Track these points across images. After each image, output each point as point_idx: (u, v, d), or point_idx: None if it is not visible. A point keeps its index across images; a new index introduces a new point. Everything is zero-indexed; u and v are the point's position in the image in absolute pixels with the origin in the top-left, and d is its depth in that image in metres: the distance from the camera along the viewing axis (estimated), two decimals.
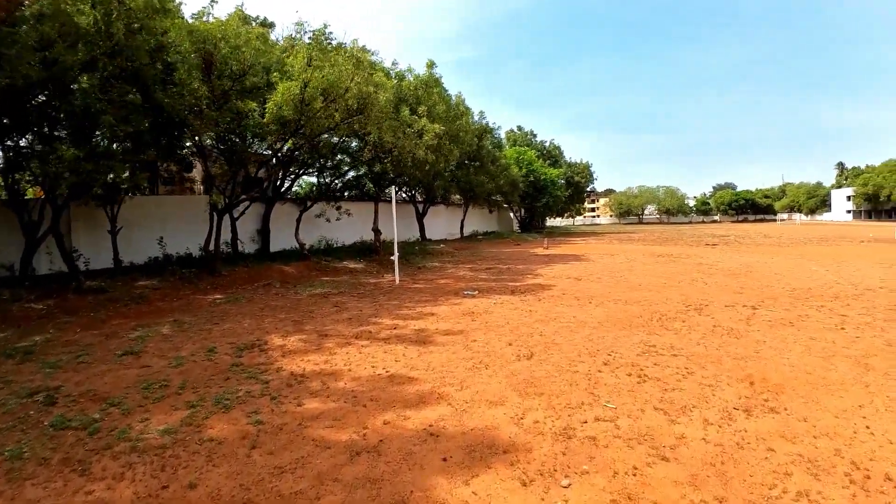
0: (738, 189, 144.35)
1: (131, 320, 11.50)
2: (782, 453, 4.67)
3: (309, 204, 25.80)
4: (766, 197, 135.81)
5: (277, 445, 4.94)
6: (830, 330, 9.21)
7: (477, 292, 13.89)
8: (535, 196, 50.79)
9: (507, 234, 48.93)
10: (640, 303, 11.89)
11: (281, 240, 24.79)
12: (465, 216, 43.77)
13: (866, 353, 7.63)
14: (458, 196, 43.18)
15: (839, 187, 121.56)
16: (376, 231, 26.15)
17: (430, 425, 5.27)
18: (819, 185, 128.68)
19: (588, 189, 70.27)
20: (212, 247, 18.30)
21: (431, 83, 25.11)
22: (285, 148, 20.81)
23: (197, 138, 17.10)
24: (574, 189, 63.32)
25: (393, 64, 25.63)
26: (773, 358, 7.50)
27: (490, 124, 41.01)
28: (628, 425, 5.21)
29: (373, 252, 25.70)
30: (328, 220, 27.31)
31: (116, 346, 9.05)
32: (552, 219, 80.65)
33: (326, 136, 19.58)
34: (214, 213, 18.20)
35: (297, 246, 24.83)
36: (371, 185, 28.99)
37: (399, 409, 5.70)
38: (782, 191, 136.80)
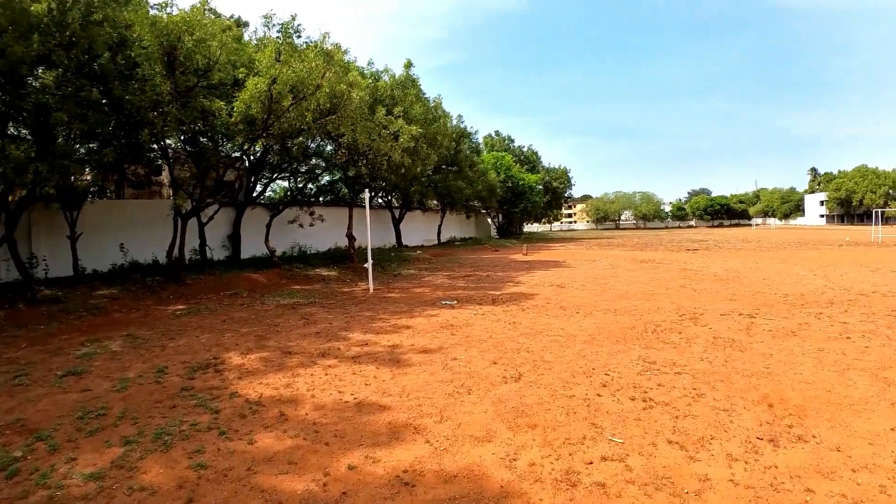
0: (713, 194, 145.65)
1: (82, 334, 10.49)
2: (823, 494, 3.93)
3: (281, 209, 24.79)
4: (741, 202, 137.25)
5: (219, 499, 4.04)
6: (836, 339, 8.57)
7: (456, 302, 13.05)
8: (512, 201, 50.21)
9: (485, 239, 48.20)
10: (631, 312, 11.13)
11: (252, 246, 23.89)
12: (442, 222, 42.99)
13: (881, 365, 6.97)
14: (435, 202, 42.38)
15: (812, 192, 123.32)
16: (350, 237, 25.20)
17: (405, 471, 4.37)
18: (792, 190, 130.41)
19: (566, 195, 69.90)
20: (176, 253, 17.26)
21: (408, 84, 24.31)
22: (256, 150, 19.84)
23: (159, 138, 16.04)
24: (552, 195, 63.01)
25: (369, 64, 24.82)
26: (785, 374, 6.77)
27: (468, 129, 40.34)
28: (641, 465, 4.39)
29: (347, 259, 24.75)
30: (301, 226, 26.34)
31: (60, 364, 8.09)
32: (529, 224, 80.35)
33: (300, 138, 18.59)
34: (179, 218, 17.19)
35: (269, 252, 23.96)
36: (345, 190, 28.09)
37: (367, 449, 4.81)
38: (756, 196, 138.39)
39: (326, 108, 17.06)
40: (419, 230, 41.61)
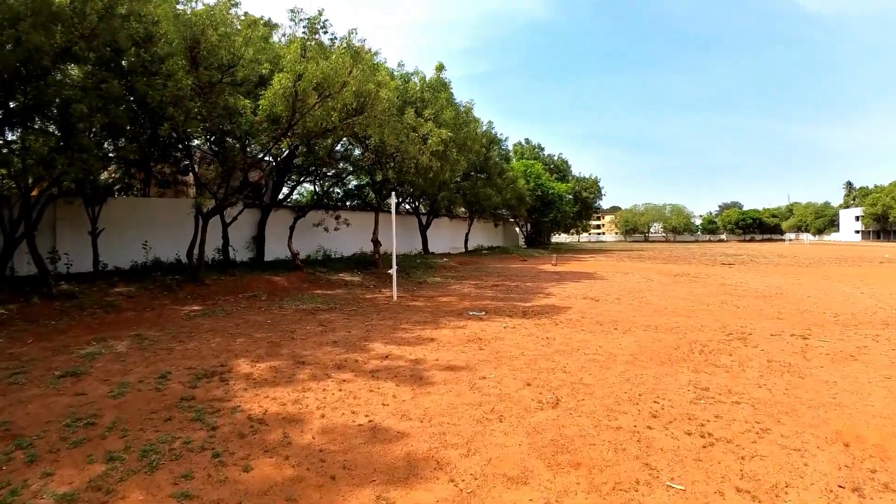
0: (745, 208, 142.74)
1: (91, 332, 10.09)
2: None
3: (306, 211, 24.35)
4: (774, 216, 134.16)
5: None
6: None
7: (484, 313, 12.31)
8: (542, 211, 49.27)
9: (513, 249, 47.35)
10: (673, 330, 10.28)
11: (277, 248, 23.64)
12: (469, 230, 42.29)
13: None
14: (462, 209, 41.70)
15: (847, 207, 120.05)
16: (376, 242, 24.62)
17: None
18: (827, 204, 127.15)
19: (596, 205, 68.71)
20: (196, 253, 16.82)
21: (439, 87, 23.67)
22: (281, 150, 19.37)
23: (181, 134, 15.63)
24: (582, 204, 61.86)
25: (399, 65, 24.28)
26: (855, 406, 5.96)
27: (498, 135, 39.66)
28: None
29: (371, 264, 24.15)
30: (326, 230, 25.94)
31: (61, 363, 7.65)
32: (557, 235, 79.26)
33: (327, 138, 18.05)
34: (200, 217, 16.77)
35: (291, 255, 23.53)
36: (372, 195, 27.64)
37: (380, 486, 4.09)
38: (789, 210, 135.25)
39: (353, 108, 16.55)
40: (446, 237, 40.97)
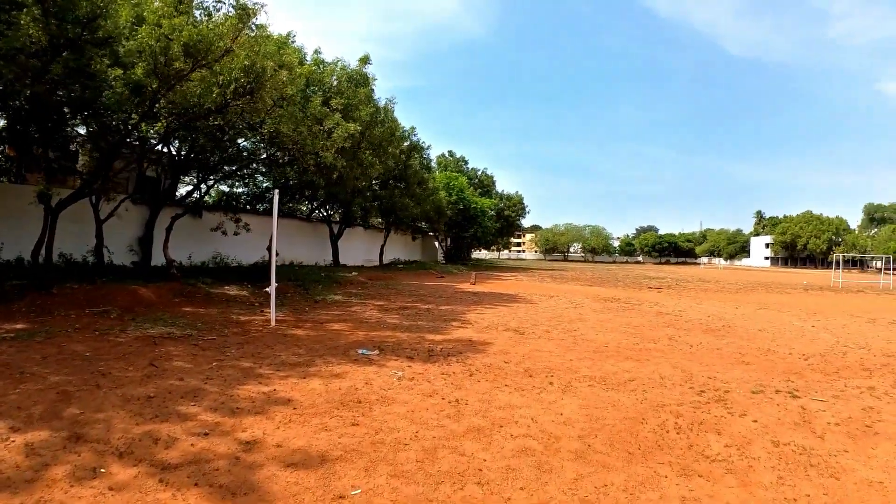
0: (661, 232, 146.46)
1: None
2: None
3: (201, 211, 20.97)
4: (689, 241, 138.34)
5: None
6: None
7: (377, 352, 9.30)
8: (463, 225, 46.84)
9: (431, 264, 44.55)
10: (628, 385, 7.65)
11: (169, 252, 19.90)
12: (385, 242, 39.24)
13: None
14: (379, 219, 38.73)
15: (757, 235, 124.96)
16: (270, 251, 21.27)
17: None
18: (739, 231, 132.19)
19: (518, 223, 67.06)
20: (43, 254, 13.54)
21: (360, 80, 20.62)
22: (153, 132, 15.85)
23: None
24: (505, 221, 59.92)
25: (315, 52, 21.07)
26: None
27: (421, 143, 36.91)
28: None
29: (267, 277, 20.79)
30: (224, 234, 22.54)
31: None
32: (478, 251, 77.41)
33: (212, 120, 14.72)
34: (48, 210, 13.49)
35: (182, 261, 20.79)
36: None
37: None
38: (703, 236, 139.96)
39: (242, 85, 13.43)
40: (360, 249, 37.89)
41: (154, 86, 12.56)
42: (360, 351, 9.21)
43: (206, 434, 5.21)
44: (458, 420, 5.81)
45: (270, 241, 21.66)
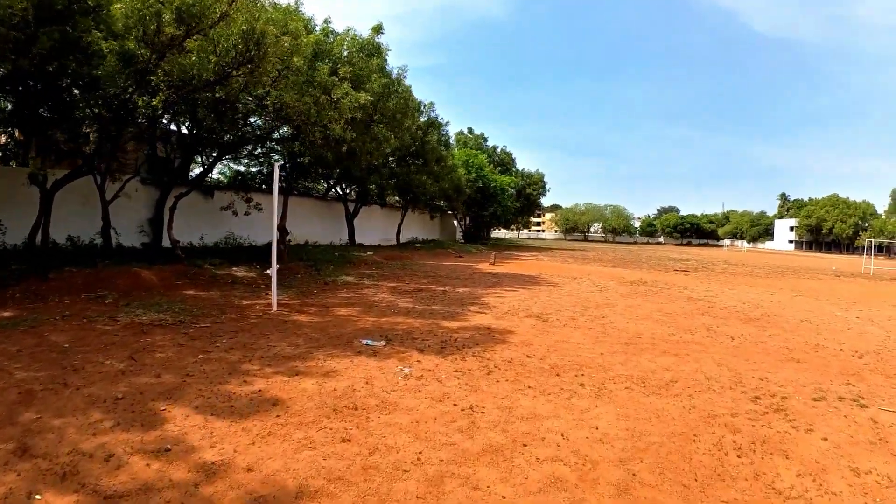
0: (682, 213, 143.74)
1: None
2: None
3: (212, 191, 20.18)
4: (711, 222, 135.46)
5: None
6: None
7: (384, 342, 8.35)
8: (482, 204, 45.62)
9: (449, 243, 43.49)
10: (671, 388, 6.61)
11: (180, 232, 19.23)
12: (402, 220, 38.20)
13: None
14: (397, 198, 37.73)
15: (781, 217, 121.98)
16: (282, 230, 20.43)
17: None
18: (763, 214, 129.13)
19: (539, 201, 65.49)
20: (40, 237, 12.96)
21: (372, 50, 19.39)
22: (153, 106, 14.95)
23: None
24: (525, 200, 58.45)
25: (325, 22, 19.89)
26: None
27: (439, 119, 35.66)
28: None
29: (277, 258, 19.96)
30: (235, 214, 21.70)
31: None
32: (498, 230, 76.16)
33: (215, 92, 13.82)
34: (41, 191, 12.86)
35: (192, 242, 20.44)
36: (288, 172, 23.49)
37: None
38: (726, 217, 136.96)
39: (242, 54, 12.46)
40: (377, 228, 36.94)
41: (146, 55, 11.67)
42: (364, 341, 8.27)
43: (167, 450, 4.33)
44: (471, 436, 4.85)
45: (281, 219, 20.89)
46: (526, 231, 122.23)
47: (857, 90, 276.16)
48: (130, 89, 12.88)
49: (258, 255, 20.20)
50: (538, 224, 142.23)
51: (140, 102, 13.93)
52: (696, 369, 7.56)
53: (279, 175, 11.73)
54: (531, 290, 16.26)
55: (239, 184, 24.71)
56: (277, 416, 5.18)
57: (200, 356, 7.22)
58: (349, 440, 4.68)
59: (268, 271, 11.59)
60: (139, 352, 7.28)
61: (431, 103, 33.72)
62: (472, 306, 12.62)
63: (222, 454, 4.30)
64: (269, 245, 24.82)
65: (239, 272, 17.00)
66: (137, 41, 11.37)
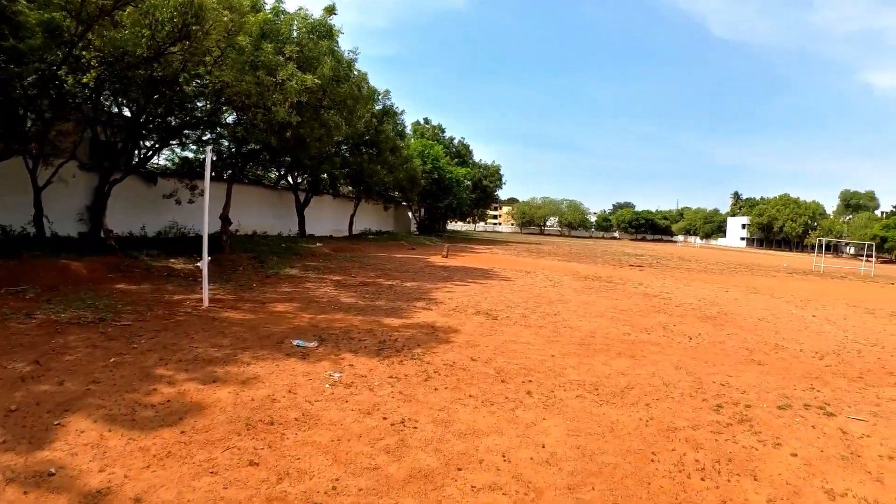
0: (637, 209, 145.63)
1: None
2: None
3: (155, 178, 19.02)
4: (665, 219, 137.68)
5: None
6: None
7: (316, 343, 7.57)
8: (437, 195, 44.91)
9: (403, 235, 42.69)
10: (625, 396, 6.05)
11: (119, 221, 18.88)
12: (355, 211, 37.24)
13: None
14: (350, 188, 36.76)
15: (734, 215, 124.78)
16: (224, 220, 19.41)
17: None
18: (716, 211, 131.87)
19: (496, 194, 65.06)
20: None
21: (323, 32, 18.32)
22: (82, 82, 13.80)
23: None
24: (482, 192, 57.95)
25: (277, 1, 18.72)
26: None
27: (395, 107, 34.78)
28: None
29: (217, 248, 18.92)
30: (179, 203, 20.63)
31: None
32: (454, 222, 75.70)
33: (150, 72, 12.80)
34: None
35: (133, 232, 19.63)
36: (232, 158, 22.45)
37: None
38: (680, 214, 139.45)
39: (178, 28, 11.53)
40: (328, 218, 35.92)
41: (73, 27, 10.65)
42: (295, 342, 7.49)
43: (51, 474, 3.62)
44: (399, 457, 4.16)
45: (225, 208, 19.83)
46: (482, 224, 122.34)
47: (811, 94, 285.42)
48: (56, 65, 11.79)
49: (200, 246, 19.14)
50: (495, 217, 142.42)
51: (70, 80, 12.93)
52: (653, 373, 7.05)
53: (211, 160, 10.78)
54: (482, 285, 15.66)
55: (185, 170, 23.62)
56: (182, 431, 4.42)
57: (113, 359, 6.38)
58: (257, 463, 3.96)
59: (198, 263, 10.67)
60: (47, 354, 6.40)
61: (387, 91, 32.92)
62: (419, 302, 11.93)
63: (110, 480, 3.56)
64: (214, 235, 23.80)
65: (177, 264, 15.99)
66: (63, 10, 10.34)
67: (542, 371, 6.82)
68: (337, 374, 6.13)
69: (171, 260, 16.45)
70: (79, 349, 6.75)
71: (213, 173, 25.83)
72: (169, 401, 5.13)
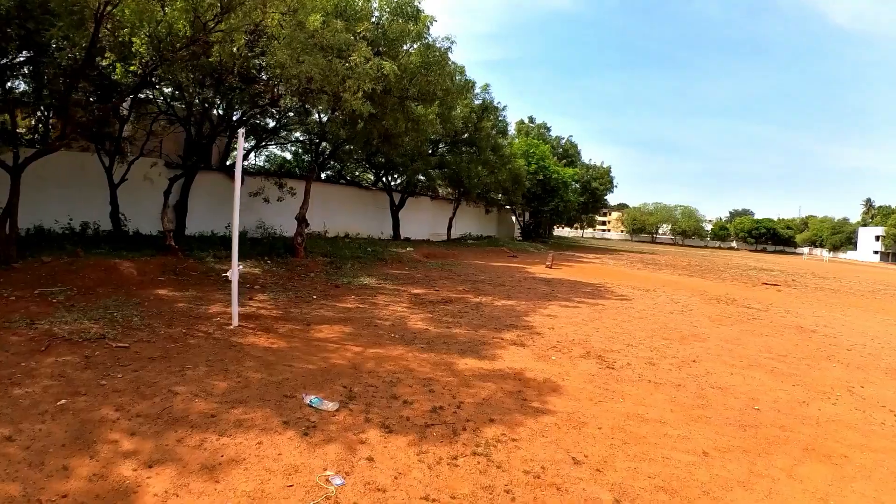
0: (756, 216, 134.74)
1: None
2: None
3: (215, 174, 17.71)
4: (789, 228, 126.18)
5: None
6: None
7: (337, 405, 5.09)
8: (542, 198, 41.74)
9: (505, 241, 39.85)
10: None
11: (203, 220, 18.89)
12: (454, 214, 34.85)
13: None
14: (450, 189, 34.62)
15: (865, 225, 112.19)
16: (301, 221, 17.64)
17: None
18: (845, 220, 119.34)
19: (605, 198, 60.53)
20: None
21: (409, 13, 16.14)
22: (127, 71, 12.41)
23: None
24: (590, 195, 53.94)
25: None
26: None
27: (496, 103, 32.22)
28: None
29: (292, 251, 17.18)
30: (266, 201, 19.52)
31: None
32: (560, 228, 72.02)
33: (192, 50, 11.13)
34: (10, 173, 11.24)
35: (215, 231, 19.04)
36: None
37: None
38: (804, 223, 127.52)
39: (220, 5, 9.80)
40: (426, 221, 33.97)
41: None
42: (307, 399, 5.11)
43: None
44: None
45: (303, 206, 18.09)
46: (591, 230, 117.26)
47: None
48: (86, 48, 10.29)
49: (276, 248, 17.58)
50: (603, 223, 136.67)
51: (118, 68, 11.69)
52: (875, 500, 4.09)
53: (243, 145, 8.71)
54: (593, 307, 12.80)
55: (275, 171, 22.97)
56: None
57: (63, 401, 4.62)
58: None
59: (227, 273, 8.62)
60: (2, 383, 4.56)
61: (486, 85, 30.53)
62: (509, 332, 9.32)
63: None
64: (315, 235, 22.47)
65: (247, 267, 14.37)
66: None
67: (694, 496, 4.04)
68: (338, 481, 3.70)
69: (239, 262, 14.80)
70: (42, 378, 5.10)
71: (301, 171, 24.47)
72: (66, 496, 2.90)
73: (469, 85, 24.94)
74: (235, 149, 22.62)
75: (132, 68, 12.04)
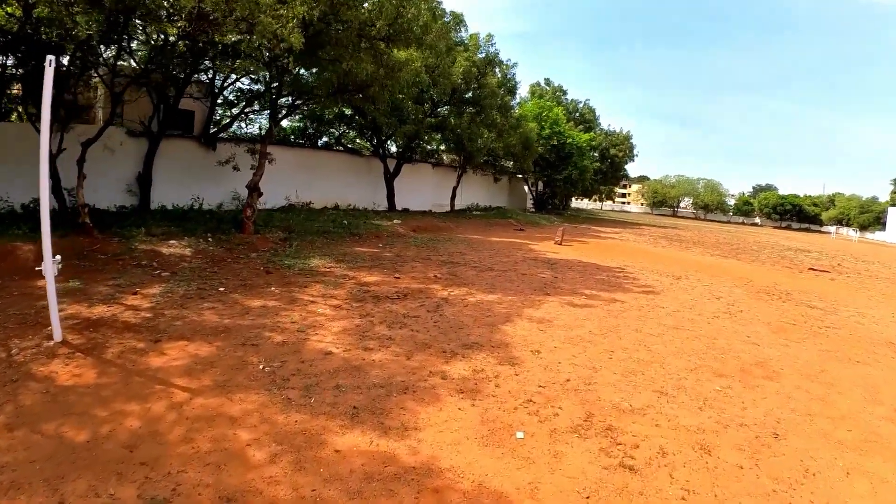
0: (780, 192, 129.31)
1: None
2: None
3: (214, 142, 15.04)
4: (815, 205, 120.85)
5: None
6: None
7: None
8: (556, 165, 37.92)
9: (515, 212, 36.04)
10: None
11: (172, 192, 17.22)
12: (458, 183, 31.31)
13: None
14: (454, 156, 31.13)
15: (894, 205, 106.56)
16: (253, 189, 14.40)
17: None
18: (874, 199, 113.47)
19: (625, 166, 55.87)
20: None
21: None
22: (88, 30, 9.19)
23: None
24: (609, 164, 49.67)
25: None
26: None
27: (501, 57, 28.41)
28: None
29: (238, 226, 14.01)
30: (236, 169, 16.87)
31: None
32: (578, 199, 67.98)
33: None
34: None
35: (181, 203, 17.28)
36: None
37: None
38: (831, 200, 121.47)
39: None
40: (427, 191, 30.59)
41: None
42: None
43: None
44: None
45: (256, 172, 14.83)
46: (610, 203, 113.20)
47: None
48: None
49: (233, 221, 14.63)
50: (623, 196, 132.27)
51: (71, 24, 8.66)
52: None
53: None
54: (606, 307, 9.42)
55: (238, 134, 20.15)
56: None
57: None
58: None
59: (39, 268, 5.55)
60: None
61: (490, 35, 26.68)
62: (464, 360, 6.02)
63: None
64: (283, 208, 19.61)
65: (175, 247, 11.45)
66: None
67: None
68: None
69: (173, 242, 11.84)
70: None
71: (280, 137, 21.27)
72: None
73: (458, 18, 21.55)
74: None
75: (9, 9, 8.98)
